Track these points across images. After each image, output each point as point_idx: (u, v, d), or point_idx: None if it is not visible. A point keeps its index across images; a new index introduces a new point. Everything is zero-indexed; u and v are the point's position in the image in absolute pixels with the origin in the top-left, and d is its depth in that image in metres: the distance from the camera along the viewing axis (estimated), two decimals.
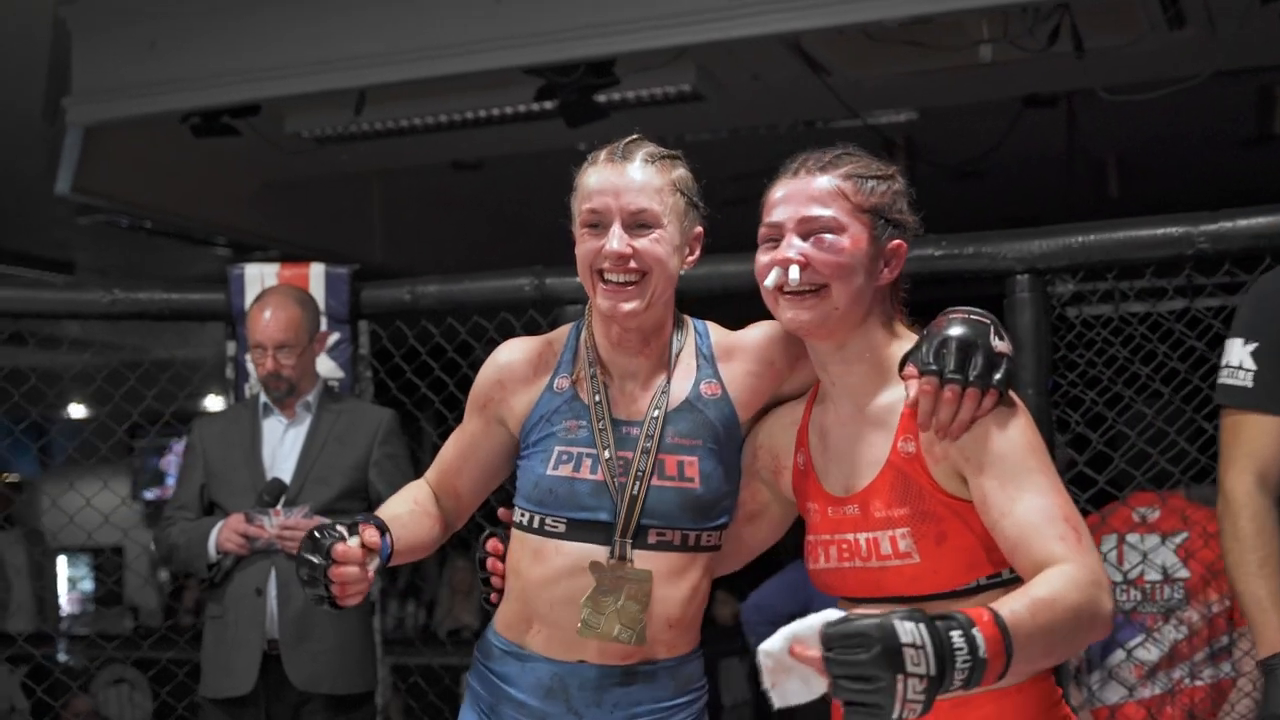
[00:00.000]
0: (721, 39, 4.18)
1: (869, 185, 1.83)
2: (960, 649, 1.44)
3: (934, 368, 1.71)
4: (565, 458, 1.95)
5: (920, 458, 1.76)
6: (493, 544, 2.08)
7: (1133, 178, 6.16)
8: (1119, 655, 3.09)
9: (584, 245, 1.93)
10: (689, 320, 2.05)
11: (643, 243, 1.90)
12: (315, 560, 1.82)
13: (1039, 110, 5.35)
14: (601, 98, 4.76)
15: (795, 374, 2.00)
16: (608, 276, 1.90)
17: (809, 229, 1.80)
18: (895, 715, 1.41)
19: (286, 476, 3.29)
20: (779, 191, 1.85)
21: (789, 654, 1.47)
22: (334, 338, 3.58)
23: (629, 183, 1.91)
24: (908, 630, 1.42)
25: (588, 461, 1.94)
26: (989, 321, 1.75)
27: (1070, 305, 3.11)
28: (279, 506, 3.23)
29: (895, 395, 1.81)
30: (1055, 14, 3.98)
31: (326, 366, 3.56)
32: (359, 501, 3.29)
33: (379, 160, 6.14)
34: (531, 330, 2.25)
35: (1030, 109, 5.33)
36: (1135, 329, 3.07)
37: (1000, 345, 1.73)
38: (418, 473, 2.16)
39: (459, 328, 3.59)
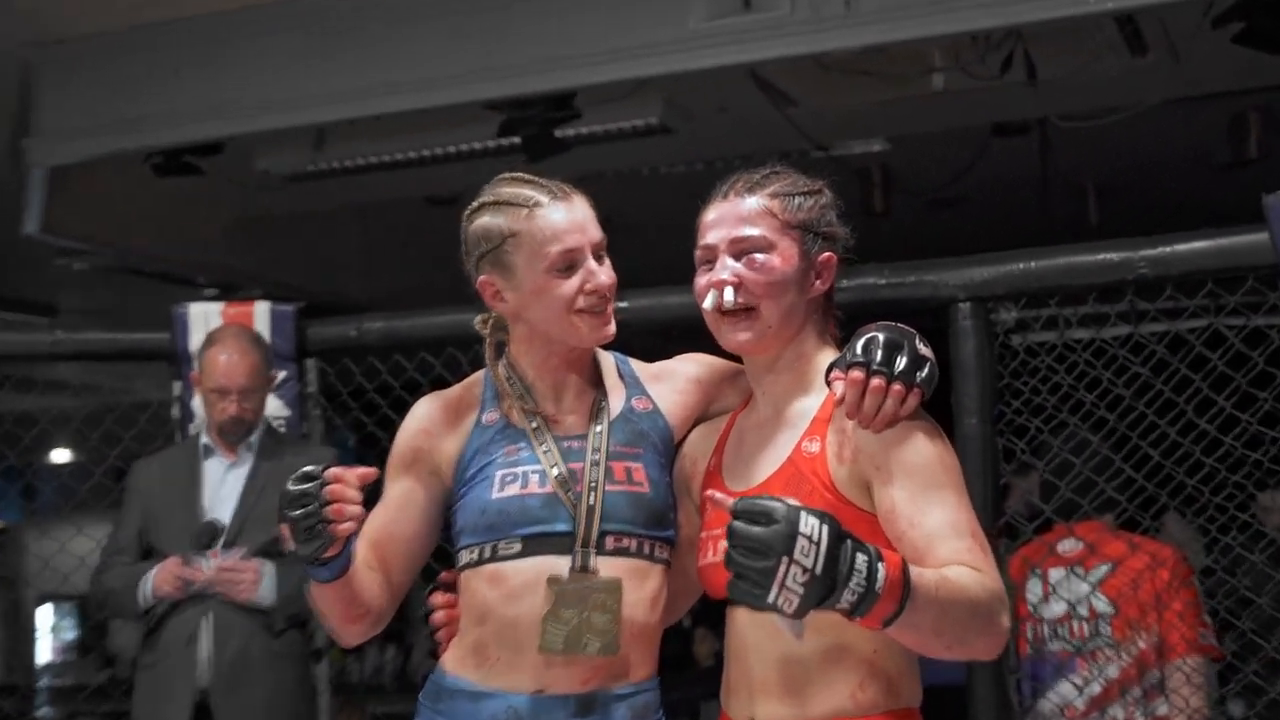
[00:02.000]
0: (677, 71, 4.17)
1: (795, 202, 1.87)
2: (859, 571, 1.48)
3: (862, 360, 1.75)
4: (510, 478, 1.93)
5: (822, 458, 1.78)
6: (439, 596, 2.06)
7: (1112, 203, 6.14)
8: (1054, 698, 3.06)
9: (561, 287, 1.92)
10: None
11: (608, 270, 1.95)
12: (307, 487, 1.79)
13: (1010, 138, 5.35)
14: (571, 131, 4.76)
15: (723, 394, 2.03)
16: (590, 308, 1.93)
17: (740, 249, 1.85)
18: (770, 598, 1.46)
19: (226, 518, 3.26)
20: (711, 214, 1.90)
21: None
22: (280, 375, 3.57)
23: (587, 216, 1.95)
24: (809, 524, 1.47)
25: (534, 477, 1.92)
26: (913, 330, 1.79)
27: (1014, 333, 3.08)
28: (217, 548, 3.20)
29: (813, 401, 1.85)
30: (1007, 42, 3.97)
31: (274, 405, 3.54)
32: None
33: (353, 196, 6.17)
34: (477, 365, 2.24)
35: (1000, 136, 5.33)
36: (1079, 356, 3.06)
37: (924, 350, 1.77)
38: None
39: (406, 364, 3.57)
